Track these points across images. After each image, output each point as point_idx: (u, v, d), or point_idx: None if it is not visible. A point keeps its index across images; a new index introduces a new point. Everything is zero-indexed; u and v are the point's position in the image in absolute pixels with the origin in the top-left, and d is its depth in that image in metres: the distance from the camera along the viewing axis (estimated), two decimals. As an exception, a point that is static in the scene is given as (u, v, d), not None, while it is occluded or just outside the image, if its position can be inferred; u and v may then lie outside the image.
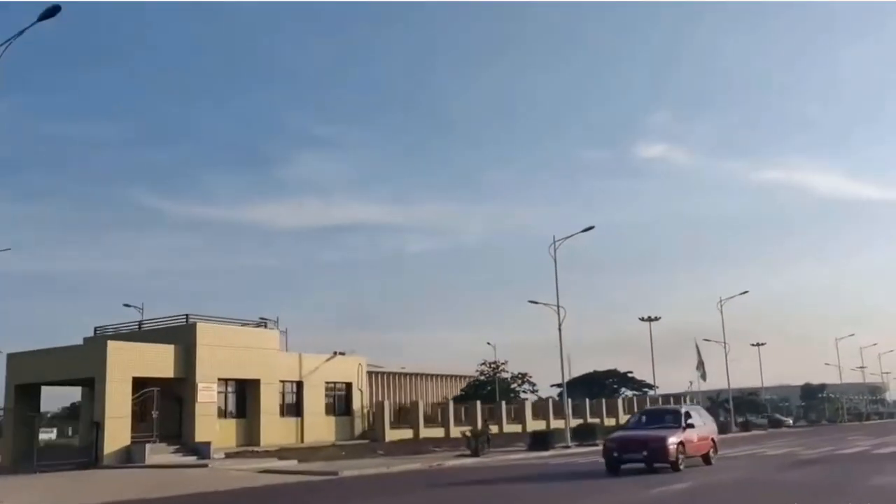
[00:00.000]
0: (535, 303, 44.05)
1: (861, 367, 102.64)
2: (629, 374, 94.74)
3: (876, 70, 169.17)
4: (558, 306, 41.13)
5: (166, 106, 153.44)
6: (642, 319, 70.14)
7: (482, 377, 76.52)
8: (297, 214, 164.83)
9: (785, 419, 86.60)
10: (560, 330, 40.80)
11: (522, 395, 77.25)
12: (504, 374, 76.59)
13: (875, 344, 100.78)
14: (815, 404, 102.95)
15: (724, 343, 66.87)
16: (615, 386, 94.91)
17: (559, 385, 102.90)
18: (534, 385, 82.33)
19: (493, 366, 76.58)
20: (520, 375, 79.53)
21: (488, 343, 77.88)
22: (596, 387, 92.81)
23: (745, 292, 66.92)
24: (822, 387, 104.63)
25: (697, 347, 74.34)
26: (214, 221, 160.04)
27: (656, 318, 69.53)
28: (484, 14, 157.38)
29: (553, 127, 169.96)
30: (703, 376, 74.08)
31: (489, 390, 70.68)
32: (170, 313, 38.33)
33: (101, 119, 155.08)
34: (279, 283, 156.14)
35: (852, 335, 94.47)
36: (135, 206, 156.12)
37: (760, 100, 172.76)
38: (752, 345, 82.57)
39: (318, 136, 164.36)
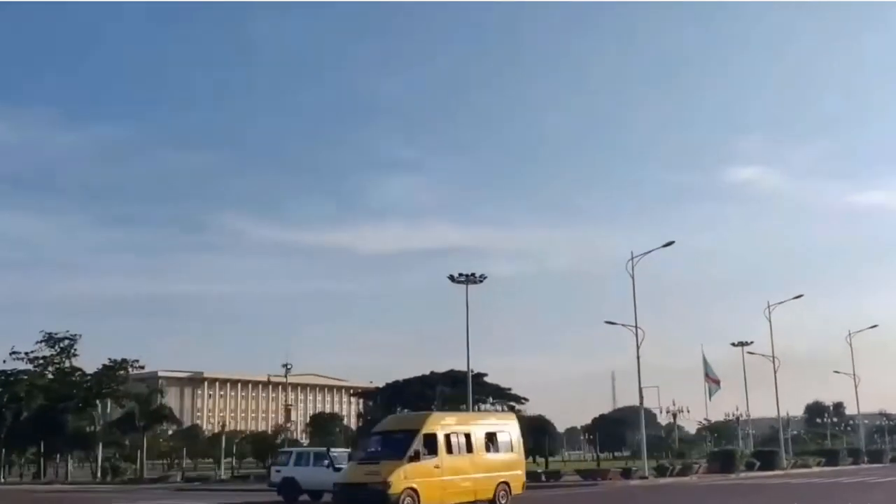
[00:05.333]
0: (613, 323, 43.02)
1: None
2: (484, 378, 75.91)
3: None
4: (636, 327, 39.77)
5: (258, 134, 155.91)
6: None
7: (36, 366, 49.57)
8: (380, 238, 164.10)
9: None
10: (638, 352, 39.93)
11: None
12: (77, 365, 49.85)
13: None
14: (819, 432, 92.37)
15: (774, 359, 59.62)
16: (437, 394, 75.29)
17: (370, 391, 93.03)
18: (120, 390, 52.29)
19: (56, 344, 49.55)
20: (114, 365, 50.26)
21: None
22: (410, 396, 75.81)
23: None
24: (838, 407, 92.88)
25: (704, 360, 66.94)
26: (299, 245, 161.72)
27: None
28: (570, 39, 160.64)
29: (640, 150, 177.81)
30: (710, 395, 66.75)
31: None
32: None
33: (199, 147, 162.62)
34: (360, 306, 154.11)
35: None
36: (223, 231, 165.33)
37: (856, 120, 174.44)
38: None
39: (404, 160, 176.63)
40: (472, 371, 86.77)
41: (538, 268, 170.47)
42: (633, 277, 42.05)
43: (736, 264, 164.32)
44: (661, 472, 43.44)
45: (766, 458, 50.83)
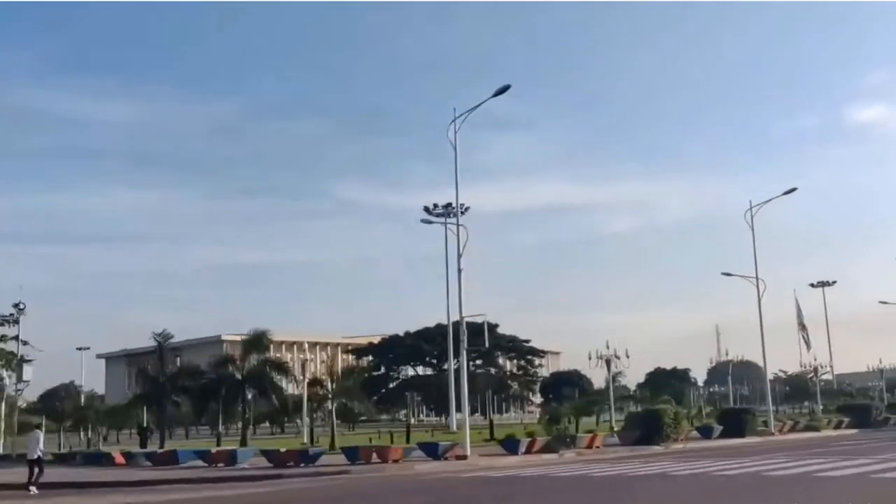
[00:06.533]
0: (730, 275, 41.97)
1: None
2: (495, 329, 69.95)
3: None
4: (757, 279, 38.53)
5: (364, 101, 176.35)
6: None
7: None
8: (492, 198, 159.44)
9: None
10: (760, 305, 37.98)
11: None
12: None
13: None
14: None
15: None
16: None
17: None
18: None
19: None
20: None
21: None
22: (405, 351, 72.51)
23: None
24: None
25: (798, 307, 60.24)
26: (411, 209, 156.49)
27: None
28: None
29: (754, 93, 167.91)
30: (808, 344, 60.39)
31: None
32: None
33: (308, 116, 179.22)
34: (471, 266, 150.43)
35: None
36: (332, 198, 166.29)
37: None
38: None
39: (514, 117, 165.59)
40: (484, 321, 76.18)
41: (649, 221, 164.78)
42: (752, 227, 40.77)
43: (858, 210, 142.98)
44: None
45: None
